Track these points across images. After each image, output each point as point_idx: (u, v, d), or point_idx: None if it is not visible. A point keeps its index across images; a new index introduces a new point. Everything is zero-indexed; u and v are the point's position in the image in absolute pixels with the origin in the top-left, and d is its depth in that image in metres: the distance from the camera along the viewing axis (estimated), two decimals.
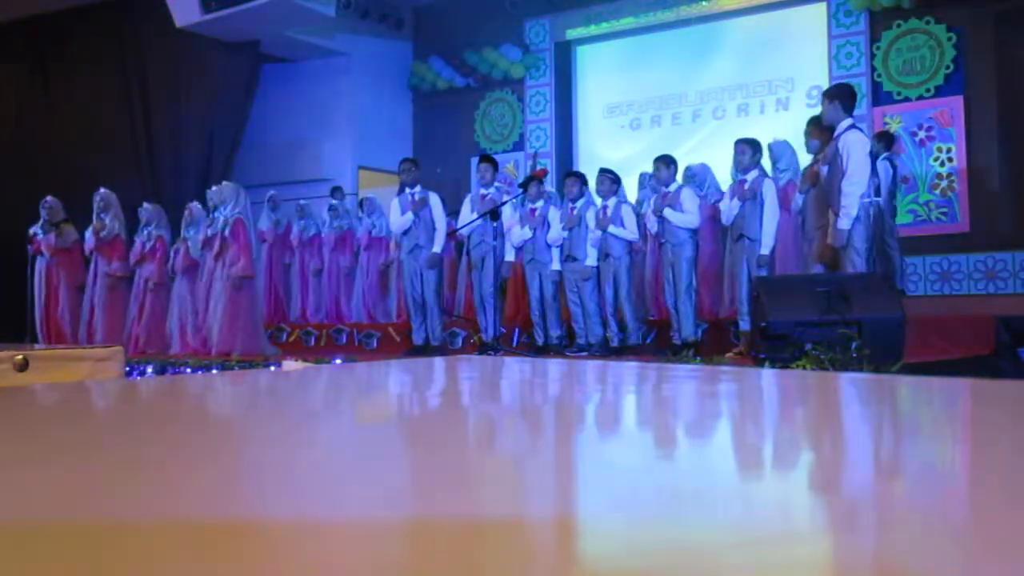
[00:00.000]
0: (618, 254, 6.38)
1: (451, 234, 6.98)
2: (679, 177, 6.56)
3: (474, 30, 11.02)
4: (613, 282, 6.41)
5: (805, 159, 6.68)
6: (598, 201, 6.63)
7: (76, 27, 11.20)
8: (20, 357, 2.27)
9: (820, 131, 5.42)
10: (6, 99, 11.92)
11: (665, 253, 6.29)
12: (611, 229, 6.31)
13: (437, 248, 6.94)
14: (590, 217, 6.48)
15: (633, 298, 6.52)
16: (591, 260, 6.45)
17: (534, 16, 11.00)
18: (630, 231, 6.39)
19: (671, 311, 6.26)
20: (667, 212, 6.16)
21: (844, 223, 4.77)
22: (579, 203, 6.60)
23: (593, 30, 10.87)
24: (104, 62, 11.17)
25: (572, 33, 11.00)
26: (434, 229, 6.91)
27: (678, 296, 6.16)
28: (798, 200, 5.80)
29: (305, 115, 11.16)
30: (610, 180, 6.50)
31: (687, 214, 6.13)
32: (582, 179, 6.76)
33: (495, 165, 7.21)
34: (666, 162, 6.37)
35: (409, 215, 6.88)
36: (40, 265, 8.47)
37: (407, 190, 6.98)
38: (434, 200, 6.97)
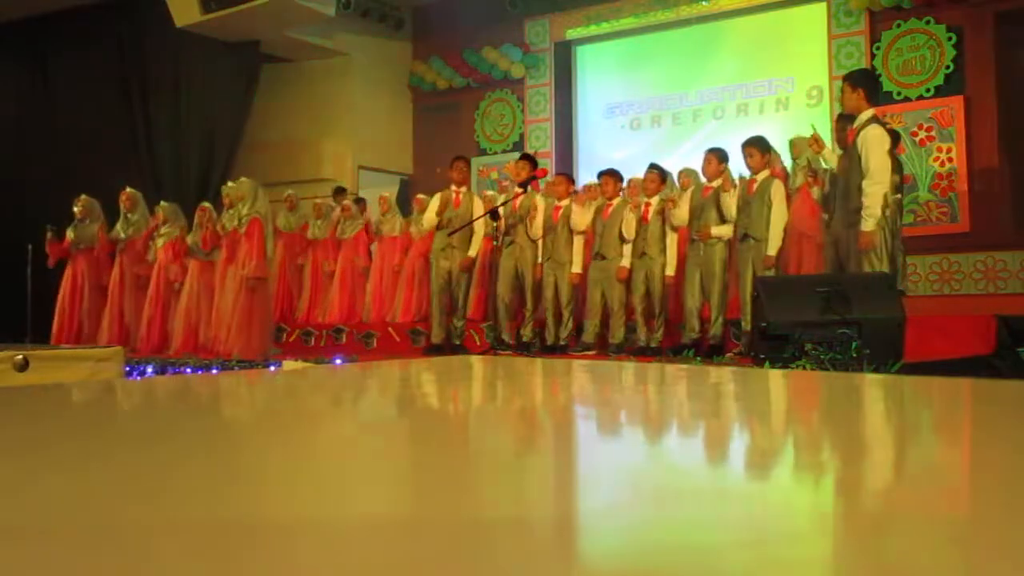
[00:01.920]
0: (655, 254, 6.32)
1: (450, 234, 6.97)
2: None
3: (474, 30, 11.02)
4: (646, 281, 6.32)
5: None
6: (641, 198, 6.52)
7: (76, 27, 11.19)
8: (20, 357, 2.27)
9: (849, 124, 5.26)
10: (6, 99, 11.91)
11: (695, 252, 6.16)
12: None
13: (472, 252, 6.90)
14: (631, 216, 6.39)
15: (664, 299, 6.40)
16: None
17: (534, 16, 10.99)
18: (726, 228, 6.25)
19: (688, 311, 6.18)
20: (714, 231, 6.01)
21: (869, 224, 4.63)
22: (616, 201, 6.54)
23: (593, 30, 10.87)
24: (104, 62, 11.17)
25: (572, 33, 10.99)
26: (471, 232, 6.85)
27: (710, 296, 6.07)
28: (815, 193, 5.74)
29: (305, 115, 11.15)
30: (660, 178, 6.40)
31: (726, 226, 6.02)
32: (619, 177, 6.68)
33: (533, 163, 7.06)
34: (719, 156, 6.13)
35: (451, 213, 6.85)
36: (68, 265, 8.44)
37: (452, 188, 6.94)
38: (477, 203, 6.93)
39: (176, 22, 9.92)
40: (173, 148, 10.81)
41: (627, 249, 6.39)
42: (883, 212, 4.68)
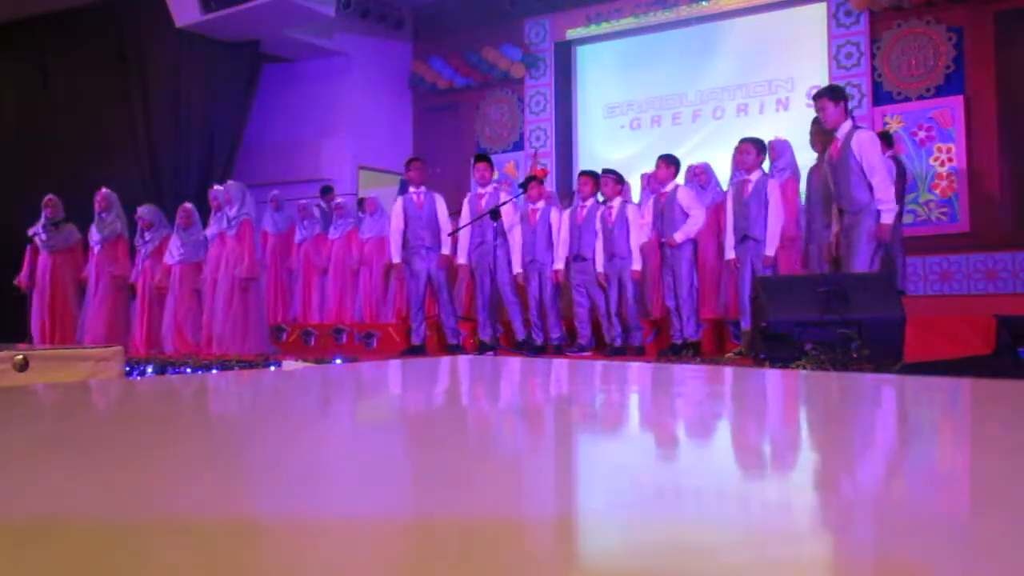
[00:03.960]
0: (624, 254, 6.36)
1: (450, 235, 6.98)
2: (680, 178, 6.54)
3: (474, 30, 11.02)
4: (618, 283, 6.39)
5: (803, 158, 6.69)
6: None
7: (76, 27, 11.18)
8: (20, 357, 2.27)
9: (825, 133, 5.44)
10: (6, 99, 11.90)
11: (664, 254, 6.28)
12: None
13: (445, 250, 6.92)
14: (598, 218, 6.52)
15: (637, 298, 6.53)
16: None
17: (534, 16, 11.00)
18: (636, 230, 6.40)
19: (671, 311, 6.26)
20: (678, 236, 6.09)
21: (888, 218, 4.88)
22: (590, 202, 6.59)
23: (593, 30, 10.87)
24: (104, 62, 11.15)
25: (572, 33, 11.00)
26: (439, 230, 6.90)
27: (679, 297, 6.15)
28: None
29: (305, 115, 11.15)
30: (614, 181, 6.50)
31: (689, 222, 6.09)
32: (596, 178, 6.77)
33: (491, 164, 7.21)
34: (667, 161, 6.34)
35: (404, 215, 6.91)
36: (42, 265, 8.42)
37: (411, 189, 6.97)
38: (439, 201, 6.95)
39: (176, 22, 9.92)
40: (173, 148, 10.80)
41: (601, 247, 6.48)
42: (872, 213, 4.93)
